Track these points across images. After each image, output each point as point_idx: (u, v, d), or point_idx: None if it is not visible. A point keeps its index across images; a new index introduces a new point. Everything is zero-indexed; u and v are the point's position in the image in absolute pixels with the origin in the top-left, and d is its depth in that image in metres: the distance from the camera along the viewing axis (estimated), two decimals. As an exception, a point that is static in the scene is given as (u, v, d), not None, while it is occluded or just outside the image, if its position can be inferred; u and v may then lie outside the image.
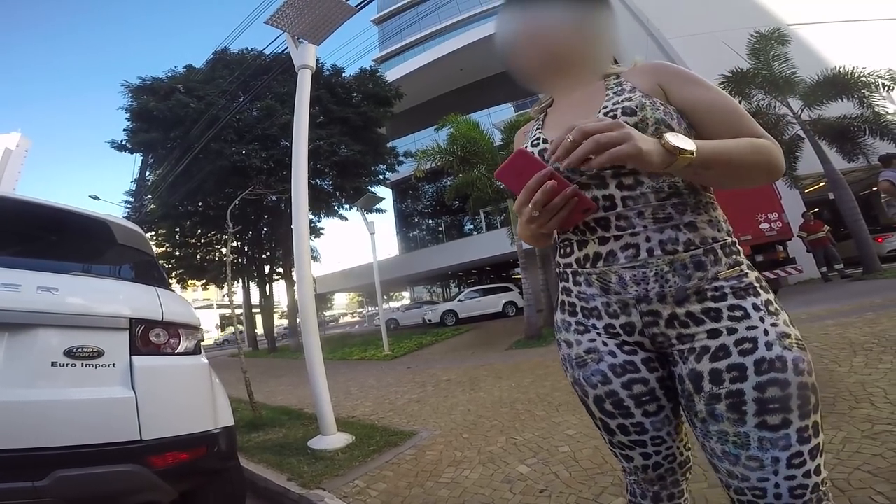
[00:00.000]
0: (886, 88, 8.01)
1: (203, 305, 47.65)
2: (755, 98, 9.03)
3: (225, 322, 38.77)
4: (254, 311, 20.44)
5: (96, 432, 1.44)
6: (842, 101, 8.30)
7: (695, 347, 0.75)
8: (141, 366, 1.56)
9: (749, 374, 0.69)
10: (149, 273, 1.99)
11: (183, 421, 1.65)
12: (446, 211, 21.85)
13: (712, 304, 0.74)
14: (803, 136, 8.76)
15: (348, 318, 51.94)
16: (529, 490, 2.04)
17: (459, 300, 16.30)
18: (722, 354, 0.72)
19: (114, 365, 1.52)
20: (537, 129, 0.95)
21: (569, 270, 0.89)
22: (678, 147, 0.68)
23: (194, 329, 1.81)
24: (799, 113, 8.73)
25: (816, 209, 9.04)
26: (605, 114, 0.81)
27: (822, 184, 10.53)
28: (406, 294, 35.84)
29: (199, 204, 14.84)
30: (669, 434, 0.84)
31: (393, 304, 34.41)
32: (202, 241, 17.08)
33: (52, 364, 1.42)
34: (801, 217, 8.77)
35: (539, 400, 3.57)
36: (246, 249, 16.55)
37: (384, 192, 20.97)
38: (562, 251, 0.92)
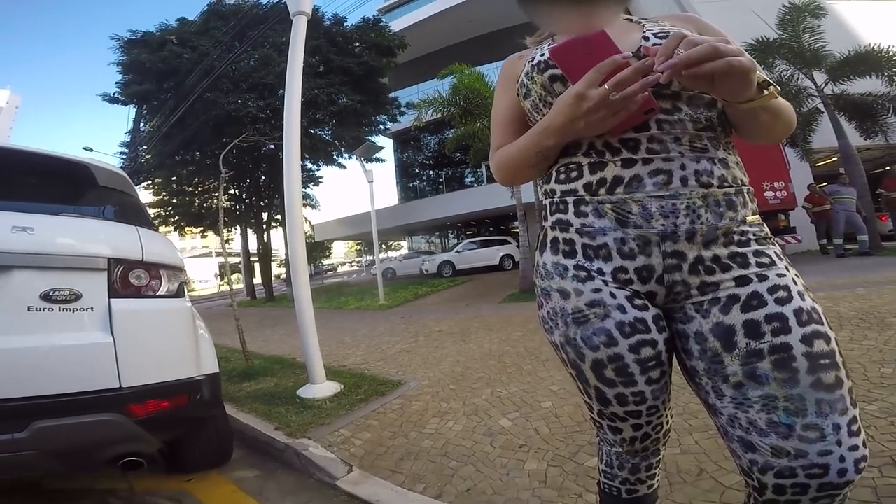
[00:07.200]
0: None
1: (203, 253, 47.82)
2: (778, 68, 8.80)
3: (224, 270, 38.88)
4: (252, 259, 20.47)
5: (75, 380, 1.40)
6: (869, 78, 8.11)
7: (719, 297, 0.66)
8: (120, 309, 1.52)
9: (792, 325, 0.62)
10: (131, 213, 1.93)
11: (164, 367, 1.62)
12: (447, 162, 21.55)
13: (738, 249, 0.68)
14: (822, 109, 8.58)
15: (346, 268, 52.25)
16: (509, 444, 2.08)
17: (457, 251, 16.28)
18: (756, 304, 0.64)
19: (92, 308, 1.48)
20: (551, 44, 0.81)
21: (569, 198, 0.76)
22: (768, 82, 0.63)
23: (177, 270, 1.76)
24: (822, 87, 8.52)
25: (825, 183, 8.92)
26: (655, 35, 0.72)
27: (833, 159, 10.32)
28: (404, 243, 35.77)
29: (197, 153, 14.58)
30: (664, 402, 0.77)
31: (392, 254, 34.40)
32: (199, 188, 16.89)
33: (29, 309, 1.38)
34: (807, 189, 8.68)
35: (527, 354, 3.62)
36: (244, 196, 16.37)
37: (385, 142, 20.61)
38: (562, 176, 0.78)
